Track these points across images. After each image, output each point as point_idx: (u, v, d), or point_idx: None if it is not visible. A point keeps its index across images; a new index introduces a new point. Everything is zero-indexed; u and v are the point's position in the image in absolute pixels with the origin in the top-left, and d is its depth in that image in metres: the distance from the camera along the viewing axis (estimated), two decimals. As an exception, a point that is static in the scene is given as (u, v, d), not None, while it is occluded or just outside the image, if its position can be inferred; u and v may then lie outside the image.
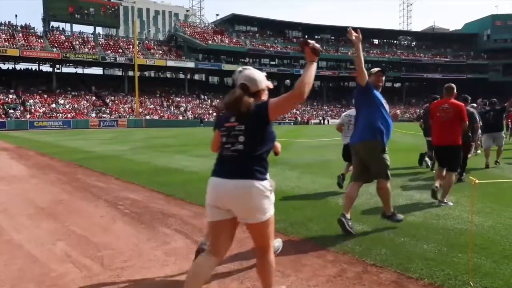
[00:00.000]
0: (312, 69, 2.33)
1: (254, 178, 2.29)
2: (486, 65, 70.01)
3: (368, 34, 72.25)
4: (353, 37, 3.94)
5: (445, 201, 5.43)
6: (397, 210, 4.61)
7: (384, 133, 4.19)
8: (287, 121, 52.92)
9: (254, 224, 2.34)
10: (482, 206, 5.21)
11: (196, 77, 67.91)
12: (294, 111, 56.73)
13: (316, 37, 70.23)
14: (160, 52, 55.60)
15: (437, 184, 5.54)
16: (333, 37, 71.47)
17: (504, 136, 9.84)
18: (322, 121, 56.78)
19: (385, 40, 74.51)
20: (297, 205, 5.45)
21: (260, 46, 61.70)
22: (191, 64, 55.40)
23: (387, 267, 3.26)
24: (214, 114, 47.99)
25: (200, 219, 4.89)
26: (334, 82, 69.31)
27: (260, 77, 2.47)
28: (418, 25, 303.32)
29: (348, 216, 4.20)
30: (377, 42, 74.18)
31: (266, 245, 2.42)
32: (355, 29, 4.01)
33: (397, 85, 75.68)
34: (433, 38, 77.43)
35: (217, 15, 69.78)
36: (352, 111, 6.22)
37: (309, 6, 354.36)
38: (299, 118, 56.61)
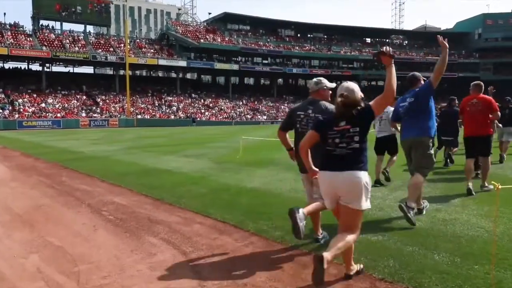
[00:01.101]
0: (394, 71, 2.77)
1: (363, 169, 2.81)
2: (477, 64, 70.23)
3: (360, 32, 72.33)
4: (445, 42, 4.24)
5: (486, 184, 6.07)
6: (401, 217, 4.30)
7: (435, 129, 4.67)
8: (279, 120, 52.52)
9: (352, 208, 2.81)
10: (490, 209, 4.90)
11: (188, 76, 67.22)
12: (286, 109, 56.33)
13: (309, 35, 69.94)
14: (152, 51, 54.89)
15: (470, 185, 5.85)
16: (325, 36, 71.21)
17: None
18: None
19: (377, 39, 74.42)
20: (294, 210, 5.08)
21: (253, 45, 61.20)
22: (183, 63, 54.77)
23: (397, 282, 2.92)
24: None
25: (190, 226, 4.52)
26: (326, 81, 69.02)
27: (356, 88, 2.88)
28: (410, 24, 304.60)
29: (413, 205, 4.38)
30: (369, 41, 74.13)
31: (350, 228, 2.84)
32: (443, 37, 4.31)
33: (389, 83, 75.46)
34: (425, 37, 77.37)
35: (210, 13, 69.28)
36: None
37: (301, 5, 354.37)
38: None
